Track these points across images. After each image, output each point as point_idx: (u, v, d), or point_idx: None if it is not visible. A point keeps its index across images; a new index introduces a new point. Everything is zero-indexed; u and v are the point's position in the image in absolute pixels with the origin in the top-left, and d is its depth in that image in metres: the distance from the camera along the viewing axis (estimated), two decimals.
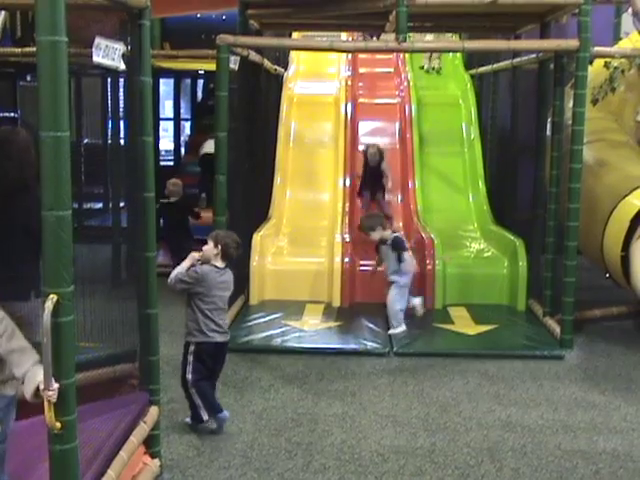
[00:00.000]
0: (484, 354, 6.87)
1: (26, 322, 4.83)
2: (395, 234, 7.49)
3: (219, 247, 5.17)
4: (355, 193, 9.66)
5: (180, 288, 5.13)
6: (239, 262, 7.98)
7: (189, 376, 5.18)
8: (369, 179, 9.52)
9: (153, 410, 4.48)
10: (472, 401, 5.85)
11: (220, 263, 5.18)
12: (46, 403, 3.01)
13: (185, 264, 5.16)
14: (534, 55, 8.12)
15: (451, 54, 11.40)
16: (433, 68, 11.49)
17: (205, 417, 5.21)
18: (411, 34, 7.86)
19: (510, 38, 9.11)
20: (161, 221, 9.00)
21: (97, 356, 4.86)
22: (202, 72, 14.69)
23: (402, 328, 7.23)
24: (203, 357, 5.17)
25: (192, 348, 5.18)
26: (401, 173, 10.07)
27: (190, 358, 5.17)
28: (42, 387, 3.01)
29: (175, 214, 9.11)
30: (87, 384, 4.18)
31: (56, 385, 3.01)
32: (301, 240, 9.12)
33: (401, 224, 9.49)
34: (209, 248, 5.18)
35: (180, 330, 7.37)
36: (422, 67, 11.53)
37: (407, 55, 11.64)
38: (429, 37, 10.66)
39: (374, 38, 10.98)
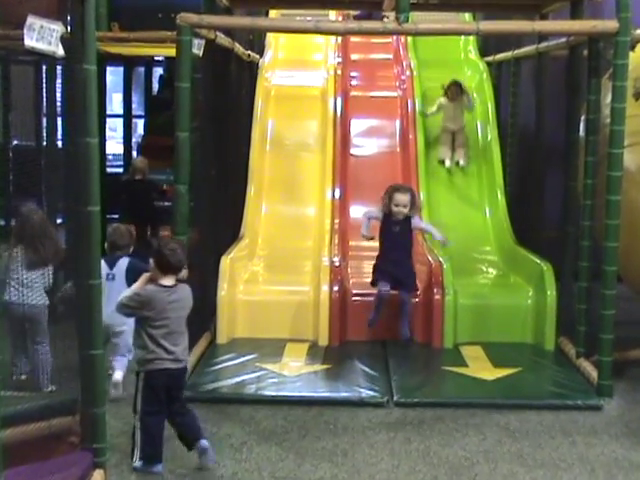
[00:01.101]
0: (504, 404, 6.87)
1: None
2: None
3: (153, 261, 5.35)
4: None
5: (125, 314, 5.41)
6: (203, 291, 7.98)
7: (138, 407, 5.39)
8: (391, 248, 7.97)
9: (98, 474, 4.46)
10: (490, 462, 5.84)
11: (167, 280, 5.35)
12: None
13: (135, 286, 5.35)
14: (564, 39, 8.18)
15: (463, 38, 11.46)
16: (457, 163, 10.22)
17: (135, 460, 5.39)
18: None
19: (535, 19, 9.17)
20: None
21: (29, 408, 4.83)
22: (159, 59, 14.75)
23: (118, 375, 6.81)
24: (155, 387, 5.35)
25: (142, 376, 5.39)
26: (402, 183, 10.08)
27: (140, 386, 5.40)
28: None
29: (139, 193, 10.85)
30: (17, 442, 4.16)
31: None
32: (280, 264, 9.12)
33: None
34: (151, 266, 5.37)
35: (131, 375, 7.36)
36: (441, 161, 10.21)
37: (410, 39, 11.70)
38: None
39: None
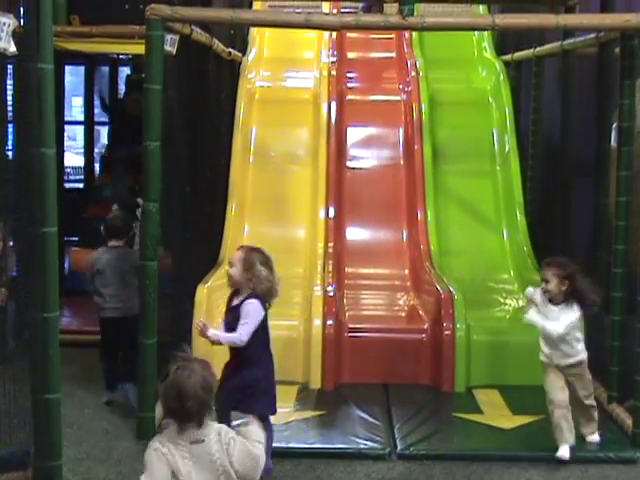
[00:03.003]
0: (525, 457, 6.85)
1: None
2: None
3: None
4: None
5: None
6: (176, 325, 7.96)
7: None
8: None
9: None
10: None
11: (112, 243, 7.69)
12: None
13: None
14: (593, 35, 8.22)
15: (476, 33, 11.50)
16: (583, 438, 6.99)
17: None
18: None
19: (560, 11, 9.21)
20: None
21: None
22: (126, 57, 14.77)
23: None
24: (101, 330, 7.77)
25: None
26: (407, 200, 10.11)
27: None
28: None
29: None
30: None
31: None
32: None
33: (407, 272, 9.51)
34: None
35: (92, 424, 7.34)
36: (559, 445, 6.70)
37: (415, 35, 11.75)
38: None
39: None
